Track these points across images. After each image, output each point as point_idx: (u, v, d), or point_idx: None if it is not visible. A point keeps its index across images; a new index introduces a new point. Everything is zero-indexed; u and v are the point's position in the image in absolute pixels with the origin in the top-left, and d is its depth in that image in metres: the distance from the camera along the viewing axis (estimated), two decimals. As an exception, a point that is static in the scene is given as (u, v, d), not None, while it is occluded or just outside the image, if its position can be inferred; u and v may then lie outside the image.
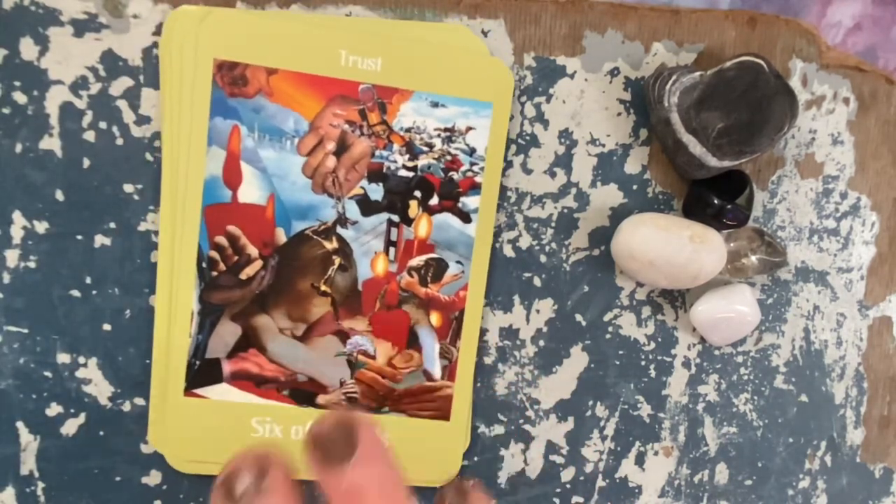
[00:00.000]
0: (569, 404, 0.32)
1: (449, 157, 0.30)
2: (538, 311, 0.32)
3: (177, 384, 0.29)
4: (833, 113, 0.33)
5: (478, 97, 0.30)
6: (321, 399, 0.30)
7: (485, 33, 0.30)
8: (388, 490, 0.22)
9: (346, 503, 0.22)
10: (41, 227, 0.28)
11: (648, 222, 0.30)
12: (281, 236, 0.29)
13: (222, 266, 0.29)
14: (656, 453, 0.33)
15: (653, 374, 0.33)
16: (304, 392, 0.30)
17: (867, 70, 0.33)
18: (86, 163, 0.28)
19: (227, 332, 0.29)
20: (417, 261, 0.30)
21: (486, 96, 0.30)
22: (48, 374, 0.29)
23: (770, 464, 0.34)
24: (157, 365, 0.29)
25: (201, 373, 0.29)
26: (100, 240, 0.29)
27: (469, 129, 0.30)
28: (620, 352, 0.32)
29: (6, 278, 0.28)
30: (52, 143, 0.28)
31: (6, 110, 0.28)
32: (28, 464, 0.29)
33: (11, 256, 0.28)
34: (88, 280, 0.29)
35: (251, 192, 0.29)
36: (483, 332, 0.31)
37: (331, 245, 0.29)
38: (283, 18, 0.28)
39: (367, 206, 0.30)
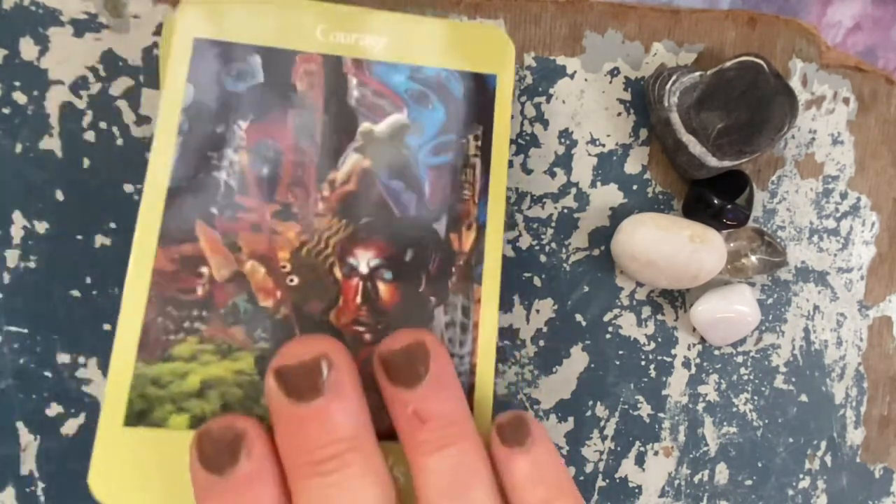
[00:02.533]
0: (569, 404, 0.32)
1: None
2: (538, 311, 0.32)
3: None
4: (833, 113, 0.33)
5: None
6: None
7: (485, 33, 0.30)
8: (453, 418, 0.22)
9: (410, 424, 0.22)
10: (41, 227, 0.28)
11: (648, 222, 0.30)
12: None
13: None
14: (656, 453, 0.33)
15: (653, 374, 0.33)
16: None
17: (867, 70, 0.33)
18: (86, 163, 0.28)
19: None
20: None
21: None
22: (48, 374, 0.29)
23: (770, 464, 0.34)
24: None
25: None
26: (100, 240, 0.29)
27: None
28: (620, 352, 0.32)
29: (6, 278, 0.28)
30: (52, 143, 0.28)
31: (6, 110, 0.28)
32: (28, 464, 0.29)
33: (11, 256, 0.28)
34: (88, 280, 0.29)
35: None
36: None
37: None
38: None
39: None
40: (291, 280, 0.25)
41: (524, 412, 0.25)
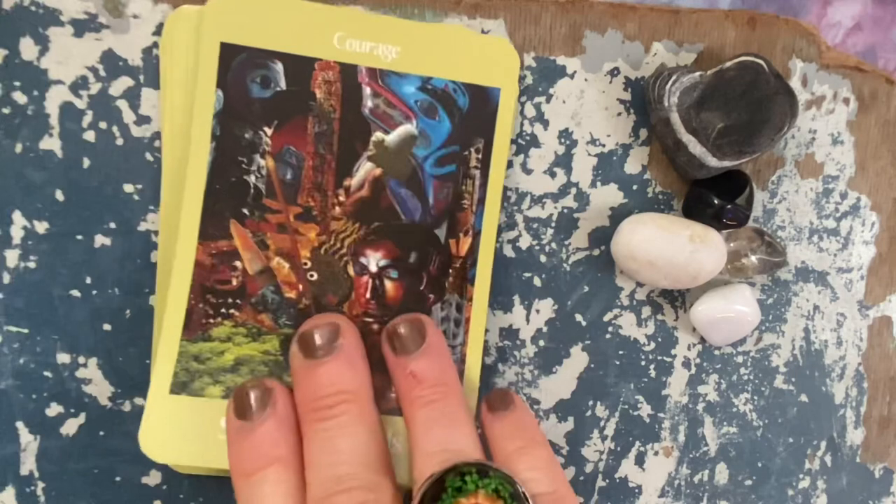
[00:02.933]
0: (569, 404, 0.32)
1: None
2: (538, 311, 0.32)
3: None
4: (833, 113, 0.33)
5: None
6: None
7: (485, 33, 0.30)
8: (443, 379, 0.27)
9: (408, 382, 0.26)
10: (41, 227, 0.28)
11: (648, 222, 0.30)
12: None
13: None
14: (656, 453, 0.33)
15: (653, 374, 0.33)
16: None
17: (867, 70, 0.33)
18: (86, 163, 0.28)
19: None
20: None
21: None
22: (48, 374, 0.29)
23: (770, 464, 0.34)
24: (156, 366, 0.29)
25: None
26: (100, 240, 0.29)
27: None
28: (620, 352, 0.32)
29: (6, 278, 0.28)
30: (52, 143, 0.28)
31: (6, 110, 0.28)
32: (28, 464, 0.29)
33: (11, 256, 0.28)
34: (88, 280, 0.29)
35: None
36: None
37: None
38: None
39: None
40: (311, 275, 0.28)
41: (510, 389, 0.30)
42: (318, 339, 0.26)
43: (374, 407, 0.27)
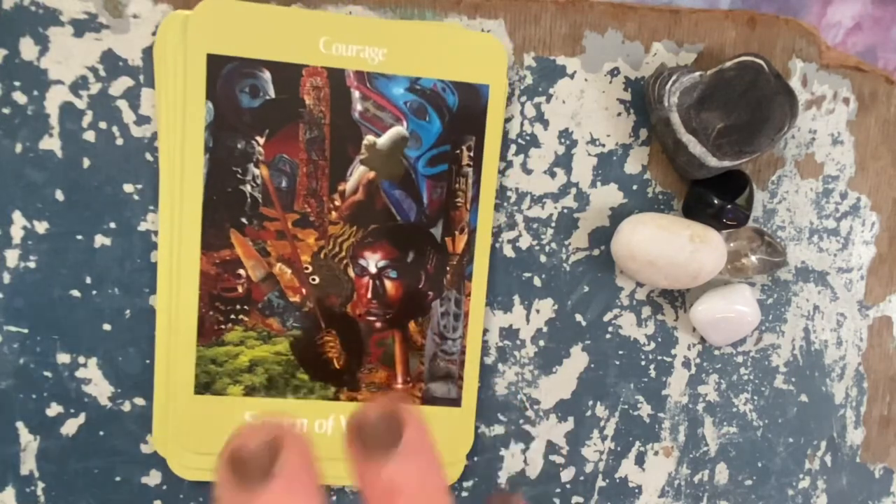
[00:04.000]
0: (569, 404, 0.32)
1: None
2: (538, 311, 0.32)
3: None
4: (833, 113, 0.33)
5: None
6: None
7: (485, 32, 0.30)
8: (429, 490, 0.20)
9: (384, 499, 0.20)
10: (41, 227, 0.28)
11: (648, 222, 0.30)
12: None
13: None
14: (656, 453, 0.33)
15: (653, 374, 0.33)
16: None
17: (867, 70, 0.33)
18: (86, 163, 0.28)
19: None
20: None
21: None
22: (48, 374, 0.29)
23: (770, 464, 0.34)
24: (160, 367, 0.29)
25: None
26: (100, 240, 0.29)
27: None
28: (620, 352, 0.32)
29: (6, 278, 0.28)
30: (52, 143, 0.28)
31: (6, 110, 0.28)
32: (28, 464, 0.29)
33: (11, 256, 0.28)
34: (88, 280, 0.29)
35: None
36: (483, 332, 0.31)
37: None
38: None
39: None
40: (313, 279, 0.29)
41: (513, 495, 0.23)
42: (251, 460, 0.19)
43: None
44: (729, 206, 0.30)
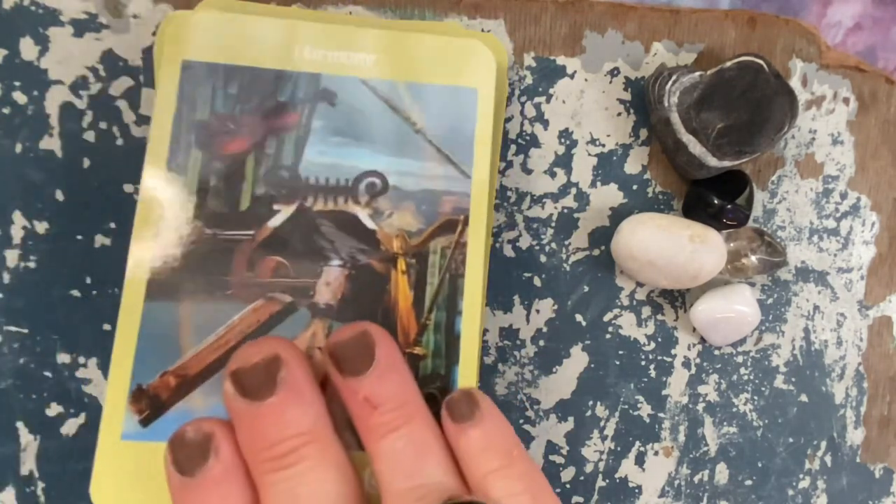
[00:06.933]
0: (569, 404, 0.32)
1: None
2: (538, 311, 0.32)
3: None
4: (833, 113, 0.33)
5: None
6: None
7: (485, 32, 0.30)
8: (403, 399, 0.23)
9: (363, 411, 0.23)
10: (41, 227, 0.28)
11: (648, 222, 0.30)
12: None
13: None
14: (656, 453, 0.33)
15: (653, 374, 0.33)
16: None
17: (867, 70, 0.33)
18: (86, 163, 0.28)
19: None
20: None
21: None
22: (48, 374, 0.29)
23: (770, 464, 0.34)
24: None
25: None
26: (100, 240, 0.29)
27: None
28: (620, 352, 0.32)
29: (6, 278, 0.28)
30: (52, 143, 0.28)
31: (6, 110, 0.28)
32: (28, 464, 0.29)
33: (11, 256, 0.28)
34: (88, 280, 0.29)
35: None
36: (483, 332, 0.31)
37: None
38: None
39: None
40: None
41: (473, 389, 0.26)
42: (255, 376, 0.22)
43: (337, 442, 0.23)
44: (729, 206, 0.30)
